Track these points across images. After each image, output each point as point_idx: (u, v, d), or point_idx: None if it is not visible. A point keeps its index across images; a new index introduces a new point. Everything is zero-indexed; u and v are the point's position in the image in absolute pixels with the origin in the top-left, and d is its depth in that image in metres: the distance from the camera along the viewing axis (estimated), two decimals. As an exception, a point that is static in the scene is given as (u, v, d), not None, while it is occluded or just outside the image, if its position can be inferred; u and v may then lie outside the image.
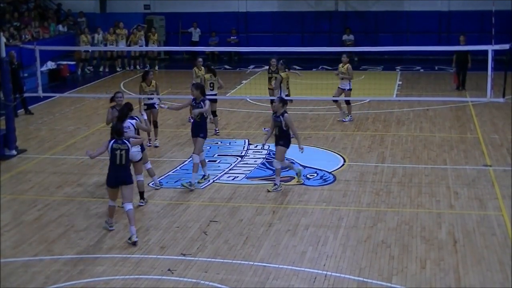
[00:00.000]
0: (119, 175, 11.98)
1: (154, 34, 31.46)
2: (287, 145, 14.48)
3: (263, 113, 21.70)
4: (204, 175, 15.12)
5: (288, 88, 19.05)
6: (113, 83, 27.84)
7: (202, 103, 14.65)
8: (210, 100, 15.98)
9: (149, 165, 14.34)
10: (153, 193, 14.47)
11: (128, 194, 12.04)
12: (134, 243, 11.75)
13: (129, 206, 11.98)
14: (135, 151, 13.11)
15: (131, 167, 12.77)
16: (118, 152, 11.88)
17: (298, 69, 24.50)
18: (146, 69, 18.22)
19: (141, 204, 13.75)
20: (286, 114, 14.28)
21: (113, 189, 12.14)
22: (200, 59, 20.17)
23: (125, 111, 13.22)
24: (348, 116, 20.40)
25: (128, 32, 31.37)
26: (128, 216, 11.97)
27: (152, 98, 17.62)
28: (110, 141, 11.98)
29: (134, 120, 13.59)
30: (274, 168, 14.67)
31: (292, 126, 14.37)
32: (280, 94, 18.12)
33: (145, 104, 17.68)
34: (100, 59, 31.50)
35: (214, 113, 18.92)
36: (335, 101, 20.54)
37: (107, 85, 27.15)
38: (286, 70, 19.28)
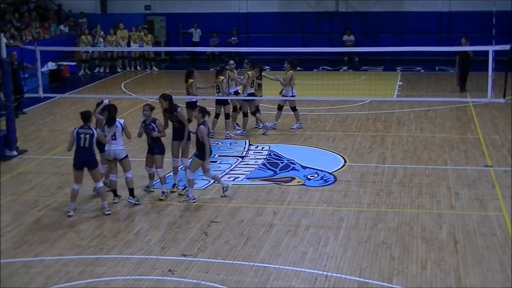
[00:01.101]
0: (83, 157, 13.18)
1: (146, 35, 31.49)
2: (201, 157, 13.78)
3: (264, 114, 21.66)
4: (174, 184, 14.81)
5: (253, 86, 19.23)
6: (113, 83, 27.86)
7: (152, 124, 14.09)
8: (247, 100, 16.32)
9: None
10: (153, 193, 14.45)
11: (95, 175, 13.34)
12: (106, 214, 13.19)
13: (99, 185, 13.41)
14: (119, 149, 13.73)
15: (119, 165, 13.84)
16: (82, 136, 13.12)
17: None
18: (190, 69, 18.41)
19: (115, 201, 13.93)
20: (201, 126, 13.63)
21: (78, 171, 13.28)
22: (232, 61, 20.70)
23: (112, 112, 13.82)
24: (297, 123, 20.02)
25: (128, 32, 31.38)
26: (100, 193, 13.47)
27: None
28: (75, 129, 13.32)
29: (123, 120, 14.01)
30: (273, 169, 14.64)
31: (205, 139, 13.60)
32: (229, 91, 18.87)
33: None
34: (100, 60, 31.50)
35: (257, 108, 19.36)
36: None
37: (107, 85, 27.18)
38: (252, 69, 19.51)
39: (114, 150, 13.71)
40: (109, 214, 13.28)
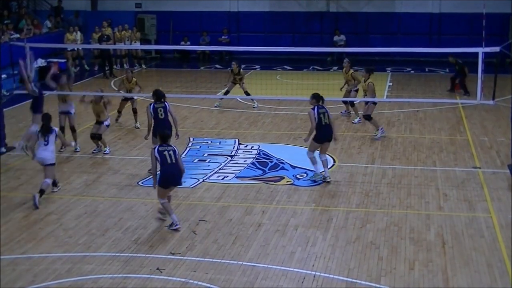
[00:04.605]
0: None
1: (135, 33, 31.38)
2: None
3: (254, 113, 21.71)
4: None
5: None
6: (103, 81, 27.76)
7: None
8: None
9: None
10: (142, 191, 14.45)
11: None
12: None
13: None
14: (48, 155, 14.13)
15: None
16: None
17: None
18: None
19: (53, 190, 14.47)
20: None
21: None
22: (234, 63, 22.16)
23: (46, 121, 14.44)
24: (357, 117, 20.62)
25: (113, 31, 31.19)
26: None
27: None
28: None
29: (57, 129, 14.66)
30: (262, 168, 14.62)
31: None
32: None
33: None
34: (80, 59, 31.23)
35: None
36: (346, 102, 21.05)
37: (97, 82, 27.07)
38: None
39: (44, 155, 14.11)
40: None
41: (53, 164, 14.15)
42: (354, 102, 20.54)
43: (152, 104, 15.28)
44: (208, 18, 34.58)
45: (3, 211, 13.38)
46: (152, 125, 15.19)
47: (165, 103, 15.35)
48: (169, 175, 12.41)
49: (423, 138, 18.76)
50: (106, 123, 17.19)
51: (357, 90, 20.50)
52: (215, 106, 22.36)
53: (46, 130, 14.18)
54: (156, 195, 12.66)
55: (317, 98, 15.13)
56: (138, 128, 19.56)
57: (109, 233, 12.29)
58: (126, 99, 20.13)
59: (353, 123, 20.38)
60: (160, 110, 15.14)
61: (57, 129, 14.57)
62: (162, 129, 13.81)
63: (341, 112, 21.37)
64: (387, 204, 13.80)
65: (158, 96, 15.37)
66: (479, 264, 11.02)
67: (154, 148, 12.57)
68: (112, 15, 32.68)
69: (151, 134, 15.13)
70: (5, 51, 21.90)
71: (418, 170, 15.95)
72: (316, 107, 14.99)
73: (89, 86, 26.40)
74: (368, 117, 18.69)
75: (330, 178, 15.00)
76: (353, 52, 28.56)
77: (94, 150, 17.29)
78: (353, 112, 20.78)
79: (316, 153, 15.16)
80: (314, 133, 14.92)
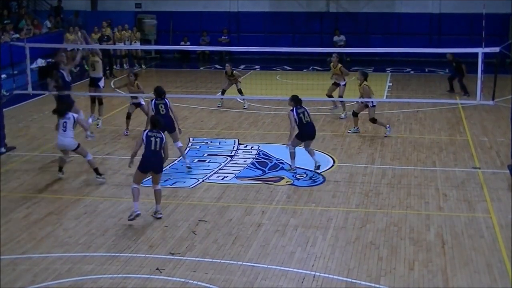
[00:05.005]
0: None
1: (135, 33, 31.41)
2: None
3: (254, 113, 21.72)
4: None
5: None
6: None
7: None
8: None
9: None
10: (142, 192, 14.42)
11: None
12: None
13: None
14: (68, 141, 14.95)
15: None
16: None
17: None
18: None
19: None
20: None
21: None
22: (227, 64, 22.63)
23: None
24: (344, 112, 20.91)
25: (112, 31, 31.19)
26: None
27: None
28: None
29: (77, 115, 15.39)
30: (262, 169, 14.66)
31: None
32: None
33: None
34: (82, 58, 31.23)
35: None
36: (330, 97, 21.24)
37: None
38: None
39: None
40: None
41: (78, 146, 14.95)
42: (351, 103, 20.60)
43: (154, 100, 15.90)
44: (208, 18, 34.56)
45: (3, 211, 13.39)
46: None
47: (165, 99, 15.93)
48: (147, 161, 12.77)
49: (423, 138, 18.76)
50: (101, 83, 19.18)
51: (345, 85, 20.70)
52: (218, 106, 22.35)
53: (60, 114, 14.96)
54: (149, 195, 12.68)
55: (295, 100, 15.83)
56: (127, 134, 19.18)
57: (109, 233, 12.30)
58: (135, 104, 19.07)
59: (340, 118, 20.47)
60: (161, 106, 15.78)
61: (76, 115, 15.18)
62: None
63: (329, 109, 21.54)
64: (387, 204, 13.80)
65: (159, 93, 15.98)
66: (479, 264, 11.03)
67: (144, 131, 13.07)
68: (112, 15, 32.66)
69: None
70: (5, 51, 21.90)
71: (418, 170, 15.96)
72: (295, 108, 15.65)
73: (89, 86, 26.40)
74: (373, 120, 18.86)
75: (318, 163, 15.73)
76: (353, 52, 28.60)
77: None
78: (340, 106, 21.08)
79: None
80: (296, 132, 15.58)
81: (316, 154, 16.04)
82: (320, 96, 21.42)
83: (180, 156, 16.32)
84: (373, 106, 18.74)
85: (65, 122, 14.88)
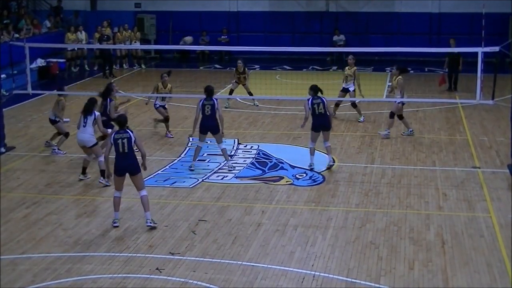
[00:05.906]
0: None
1: (135, 33, 31.39)
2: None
3: (253, 113, 21.71)
4: None
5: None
6: (102, 81, 27.72)
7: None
8: None
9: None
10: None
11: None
12: None
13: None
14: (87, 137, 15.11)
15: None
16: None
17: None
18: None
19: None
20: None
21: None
22: (240, 61, 22.69)
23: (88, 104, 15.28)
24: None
25: (112, 31, 31.16)
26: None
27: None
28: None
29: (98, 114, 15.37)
30: (261, 168, 14.67)
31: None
32: None
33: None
34: (83, 58, 31.22)
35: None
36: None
37: (96, 83, 27.06)
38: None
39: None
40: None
41: (95, 144, 15.14)
42: (356, 102, 20.54)
43: (202, 101, 15.73)
44: (208, 17, 34.54)
45: (3, 211, 13.38)
46: (199, 121, 15.84)
47: (214, 99, 15.72)
48: (119, 164, 12.50)
49: (422, 137, 18.76)
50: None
51: (354, 90, 20.50)
52: (225, 107, 21.99)
53: (86, 112, 15.10)
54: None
55: (314, 90, 15.93)
56: (172, 137, 18.84)
57: (108, 233, 12.30)
58: (162, 106, 19.13)
59: (358, 121, 20.40)
60: (208, 107, 15.59)
61: (98, 113, 15.27)
62: (205, 125, 15.40)
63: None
64: (386, 204, 13.80)
65: (210, 92, 15.77)
66: (478, 264, 11.03)
67: (111, 134, 12.78)
68: (111, 15, 32.65)
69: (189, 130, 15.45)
70: (4, 51, 21.92)
71: (418, 170, 15.95)
72: (311, 98, 15.80)
73: (89, 86, 26.43)
74: (400, 117, 18.87)
75: (332, 162, 15.87)
76: (353, 52, 28.46)
77: None
78: (341, 110, 20.94)
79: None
80: (312, 122, 15.83)
81: (323, 154, 16.06)
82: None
83: (224, 160, 16.19)
84: (402, 104, 18.74)
85: (86, 118, 15.03)
